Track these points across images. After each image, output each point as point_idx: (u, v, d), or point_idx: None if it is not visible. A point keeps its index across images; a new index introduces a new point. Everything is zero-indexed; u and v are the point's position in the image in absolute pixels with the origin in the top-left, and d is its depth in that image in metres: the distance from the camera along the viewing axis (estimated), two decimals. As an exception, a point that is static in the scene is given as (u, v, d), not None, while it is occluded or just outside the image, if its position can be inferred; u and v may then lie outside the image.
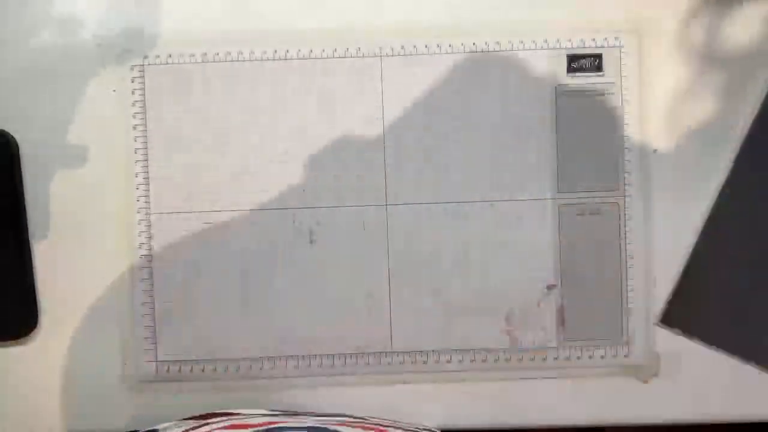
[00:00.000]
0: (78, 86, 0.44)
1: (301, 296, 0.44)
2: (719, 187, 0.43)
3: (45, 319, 0.44)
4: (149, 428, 0.37)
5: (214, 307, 0.44)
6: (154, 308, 0.44)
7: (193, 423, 0.37)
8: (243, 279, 0.44)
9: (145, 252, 0.44)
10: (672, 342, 0.43)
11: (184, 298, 0.44)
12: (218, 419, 0.37)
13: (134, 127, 0.44)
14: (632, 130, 0.43)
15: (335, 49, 0.44)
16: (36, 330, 0.44)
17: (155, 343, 0.44)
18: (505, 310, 0.44)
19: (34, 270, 0.43)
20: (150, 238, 0.44)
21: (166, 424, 0.38)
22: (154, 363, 0.44)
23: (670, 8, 0.43)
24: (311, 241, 0.44)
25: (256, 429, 0.33)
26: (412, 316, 0.44)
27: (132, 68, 0.43)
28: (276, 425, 0.30)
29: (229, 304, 0.44)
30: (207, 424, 0.35)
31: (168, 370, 0.44)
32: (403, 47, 0.43)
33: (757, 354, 0.42)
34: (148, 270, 0.44)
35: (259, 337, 0.44)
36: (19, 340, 0.44)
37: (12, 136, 0.43)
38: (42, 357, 0.44)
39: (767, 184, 0.43)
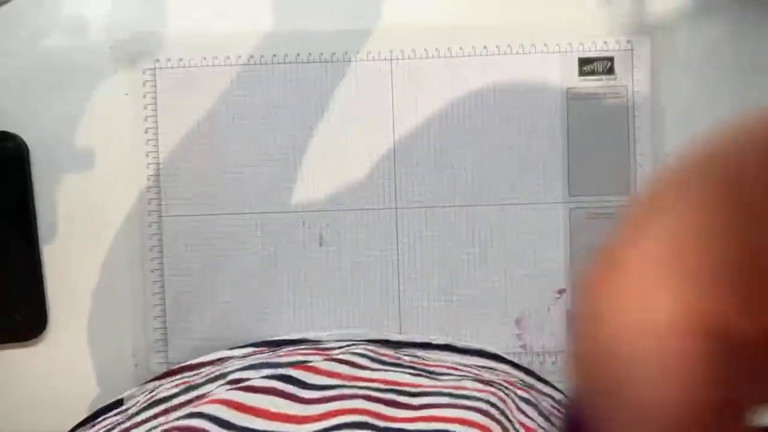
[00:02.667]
0: (89, 89, 0.44)
1: (311, 299, 0.44)
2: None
3: (54, 321, 0.44)
4: (115, 399, 0.39)
5: (224, 310, 0.44)
6: (165, 310, 0.44)
7: (151, 385, 0.39)
8: (253, 283, 0.44)
9: (156, 255, 0.44)
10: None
11: (194, 301, 0.44)
12: (173, 378, 0.39)
13: (146, 131, 0.44)
14: (644, 133, 0.43)
15: (346, 52, 0.44)
16: (45, 332, 0.44)
17: (166, 345, 0.44)
18: (516, 314, 0.43)
19: (43, 272, 0.44)
20: (161, 241, 0.44)
21: (128, 393, 0.39)
22: (165, 364, 0.44)
23: (682, 12, 0.43)
24: (321, 244, 0.44)
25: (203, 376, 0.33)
26: (422, 318, 0.44)
27: (144, 71, 0.44)
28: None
29: (239, 307, 0.44)
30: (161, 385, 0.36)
31: (179, 372, 0.44)
32: (414, 50, 0.43)
33: None
34: (159, 272, 0.44)
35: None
36: (28, 342, 0.44)
37: (22, 139, 0.43)
38: (51, 359, 0.44)
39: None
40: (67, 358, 0.44)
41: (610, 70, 0.43)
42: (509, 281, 0.43)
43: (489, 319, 0.43)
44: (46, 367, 0.44)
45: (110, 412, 0.37)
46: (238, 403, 0.29)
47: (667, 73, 0.43)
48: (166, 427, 0.27)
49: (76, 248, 0.44)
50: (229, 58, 0.44)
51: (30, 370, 0.44)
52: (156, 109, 0.44)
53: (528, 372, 0.42)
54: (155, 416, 0.31)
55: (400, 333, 0.43)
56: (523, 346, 0.43)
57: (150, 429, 0.28)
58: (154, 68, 0.44)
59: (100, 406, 0.43)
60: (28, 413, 0.44)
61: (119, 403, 0.38)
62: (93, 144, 0.44)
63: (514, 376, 0.40)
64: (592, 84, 0.43)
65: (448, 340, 0.43)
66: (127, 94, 0.44)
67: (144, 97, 0.44)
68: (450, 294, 0.43)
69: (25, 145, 0.43)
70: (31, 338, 0.44)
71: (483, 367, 0.40)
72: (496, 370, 0.40)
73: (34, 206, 0.43)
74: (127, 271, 0.44)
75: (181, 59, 0.44)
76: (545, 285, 0.43)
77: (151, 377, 0.44)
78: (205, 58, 0.44)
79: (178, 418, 0.28)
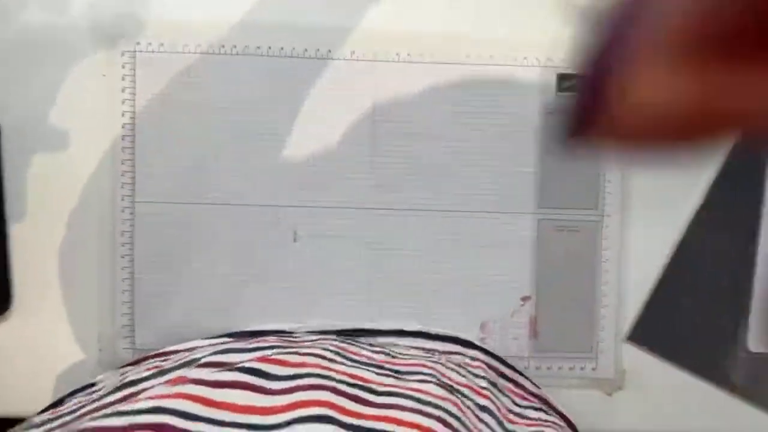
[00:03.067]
0: (65, 68, 0.43)
1: (283, 293, 0.44)
2: (693, 212, 0.44)
3: (19, 301, 0.43)
4: (89, 382, 0.39)
5: (194, 299, 0.44)
6: (133, 296, 0.44)
7: (124, 370, 0.39)
8: (225, 274, 0.44)
9: (127, 240, 0.44)
10: (638, 358, 0.45)
11: (164, 289, 0.44)
12: (145, 362, 0.39)
13: (122, 114, 0.43)
14: (615, 151, 0.44)
15: (330, 50, 0.44)
16: (9, 312, 0.43)
17: (133, 331, 0.44)
18: (481, 319, 0.45)
19: (8, 251, 0.43)
20: (133, 226, 0.44)
21: (100, 376, 0.40)
22: (131, 350, 0.44)
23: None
24: (295, 240, 0.44)
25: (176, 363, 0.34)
26: (391, 318, 0.45)
27: (123, 54, 0.43)
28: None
29: (209, 297, 0.44)
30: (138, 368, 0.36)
31: (144, 359, 0.44)
32: (397, 54, 0.44)
33: (714, 374, 0.44)
34: (130, 258, 0.44)
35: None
36: (-8, 320, 0.43)
37: None
38: (14, 339, 0.44)
39: (736, 215, 0.44)
40: (29, 339, 0.44)
41: (588, 88, 0.44)
42: (476, 286, 0.45)
43: (455, 322, 0.44)
44: (7, 347, 0.44)
45: (79, 394, 0.37)
46: (203, 397, 0.29)
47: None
48: (131, 421, 0.27)
49: (46, 230, 0.43)
50: (212, 46, 0.43)
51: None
52: (134, 93, 0.43)
53: (497, 358, 0.43)
54: (123, 399, 0.31)
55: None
56: (486, 350, 0.45)
57: (114, 413, 0.28)
58: (134, 51, 0.43)
59: (61, 389, 0.43)
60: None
61: (92, 386, 0.38)
62: (67, 124, 0.43)
63: (483, 362, 0.41)
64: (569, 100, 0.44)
65: (420, 327, 0.44)
66: (104, 76, 0.43)
67: (122, 79, 0.43)
68: (420, 296, 0.44)
69: (-5, 123, 0.42)
70: (-7, 317, 0.43)
71: (453, 352, 0.41)
72: (465, 355, 0.42)
73: (2, 185, 0.42)
74: (97, 255, 0.44)
75: (162, 44, 0.43)
76: (510, 292, 0.45)
77: (117, 363, 0.44)
78: (187, 45, 0.43)
79: (141, 411, 0.28)
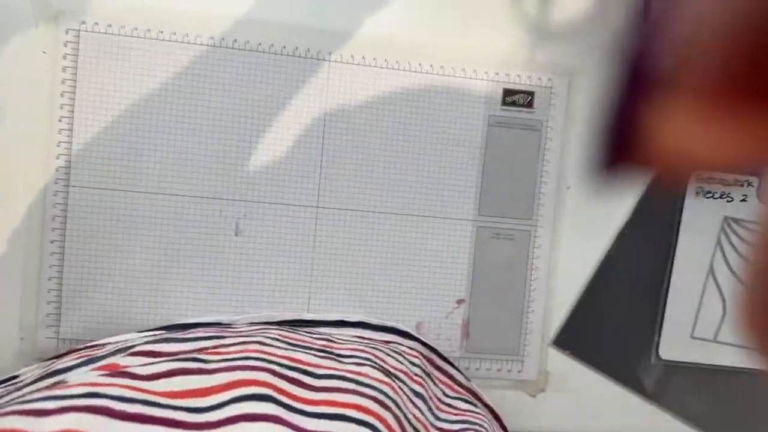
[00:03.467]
0: (3, 41, 0.41)
1: (221, 287, 0.44)
2: (619, 229, 0.47)
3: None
4: (10, 375, 0.37)
5: (125, 289, 0.43)
6: (61, 284, 0.42)
7: (50, 362, 0.38)
8: (158, 263, 0.43)
9: (58, 225, 0.42)
10: (561, 362, 0.48)
11: (94, 278, 0.42)
12: (79, 352, 0.38)
13: (61, 94, 0.41)
14: (551, 166, 0.47)
15: (284, 46, 0.44)
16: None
17: (59, 320, 0.42)
18: (417, 319, 0.46)
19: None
20: (65, 211, 0.42)
21: (24, 369, 0.38)
22: (55, 340, 0.42)
23: (596, 59, 0.47)
24: (236, 233, 0.44)
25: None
26: (329, 314, 0.45)
27: (67, 32, 0.41)
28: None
29: (141, 287, 0.43)
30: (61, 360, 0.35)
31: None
32: (352, 56, 0.44)
33: (629, 379, 0.48)
34: (60, 244, 0.42)
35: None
36: None
37: None
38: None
39: (656, 233, 0.48)
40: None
41: (530, 104, 0.46)
42: (413, 287, 0.46)
43: (392, 320, 0.45)
44: None
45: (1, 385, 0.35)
46: (138, 386, 0.28)
47: (580, 114, 0.47)
48: (63, 404, 0.26)
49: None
50: (161, 32, 0.42)
51: None
52: (75, 73, 0.41)
53: (433, 350, 0.44)
54: (49, 387, 0.30)
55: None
56: (420, 350, 0.46)
57: (44, 397, 0.26)
58: (79, 30, 0.41)
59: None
60: None
61: (14, 378, 0.36)
62: (1, 101, 0.41)
63: (419, 352, 0.42)
64: (512, 114, 0.46)
65: (361, 318, 0.44)
66: (44, 53, 0.41)
67: (64, 58, 0.41)
68: (358, 294, 0.45)
69: None
70: None
71: (391, 342, 0.42)
72: (402, 345, 0.43)
73: None
74: (24, 239, 0.42)
75: (109, 25, 0.42)
76: (446, 294, 0.46)
77: (38, 353, 0.42)
78: (136, 29, 0.42)
79: (75, 396, 0.27)
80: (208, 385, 0.29)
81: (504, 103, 0.46)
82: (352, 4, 0.44)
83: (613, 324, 0.48)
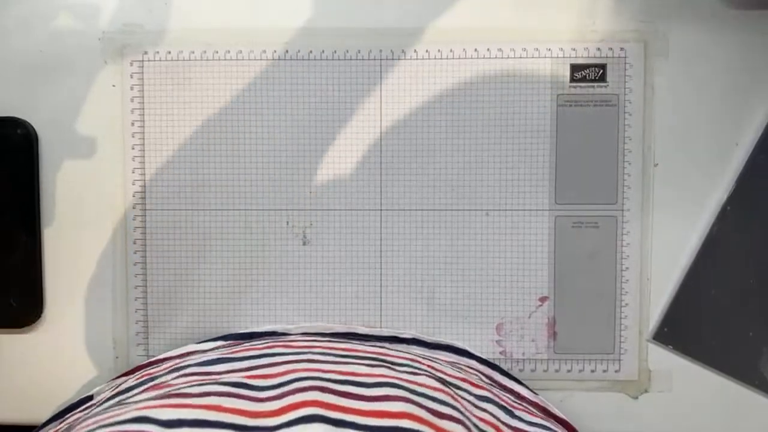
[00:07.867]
0: (83, 79, 0.44)
1: (292, 297, 0.44)
2: (719, 207, 0.42)
3: (49, 309, 0.44)
4: (86, 395, 0.39)
5: (204, 305, 0.44)
6: (146, 302, 0.44)
7: (119, 381, 0.39)
8: (233, 278, 0.44)
9: (139, 248, 0.44)
10: (664, 359, 0.43)
11: (175, 295, 0.44)
12: (138, 372, 0.39)
13: (132, 123, 0.44)
14: (633, 143, 0.43)
15: (335, 51, 0.43)
16: (40, 320, 0.44)
17: (147, 338, 0.44)
18: (496, 320, 0.43)
19: (43, 259, 0.44)
20: (144, 234, 0.44)
21: (97, 388, 0.40)
22: (145, 357, 0.44)
23: (677, 20, 0.42)
24: (304, 243, 0.44)
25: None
26: (402, 320, 0.44)
27: (132, 64, 0.43)
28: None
29: (218, 301, 0.44)
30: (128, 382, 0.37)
31: (159, 366, 0.44)
32: (403, 51, 0.43)
33: (746, 374, 0.42)
34: (142, 265, 0.44)
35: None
36: (21, 330, 0.44)
37: (31, 126, 0.43)
38: (41, 347, 0.44)
39: (765, 207, 0.42)
40: (57, 348, 0.44)
41: (602, 78, 0.42)
42: (491, 287, 0.43)
43: (469, 324, 0.43)
44: (37, 356, 0.44)
45: (78, 408, 0.37)
46: (188, 403, 0.28)
47: (660, 83, 0.42)
48: (111, 430, 0.26)
49: (69, 238, 0.44)
50: (217, 53, 0.43)
51: (21, 357, 0.44)
52: (143, 102, 0.44)
53: (494, 367, 0.41)
54: (111, 408, 0.31)
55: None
56: (503, 353, 0.43)
57: (101, 425, 0.27)
58: (142, 61, 0.43)
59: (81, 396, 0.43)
60: (14, 402, 0.45)
61: (90, 399, 0.38)
62: (88, 134, 0.44)
63: (478, 371, 0.40)
64: (583, 91, 0.42)
65: (415, 335, 0.42)
66: (114, 86, 0.44)
67: (131, 89, 0.44)
68: (431, 297, 0.43)
69: (35, 132, 0.43)
70: (26, 325, 0.44)
71: (448, 361, 0.40)
72: (459, 364, 0.40)
73: (39, 193, 0.43)
74: (111, 263, 0.44)
75: (169, 52, 0.43)
76: (527, 292, 0.43)
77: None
78: (193, 52, 0.43)
79: (123, 422, 0.27)
80: (258, 410, 0.28)
81: (573, 79, 0.42)
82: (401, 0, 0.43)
83: (721, 312, 0.42)
